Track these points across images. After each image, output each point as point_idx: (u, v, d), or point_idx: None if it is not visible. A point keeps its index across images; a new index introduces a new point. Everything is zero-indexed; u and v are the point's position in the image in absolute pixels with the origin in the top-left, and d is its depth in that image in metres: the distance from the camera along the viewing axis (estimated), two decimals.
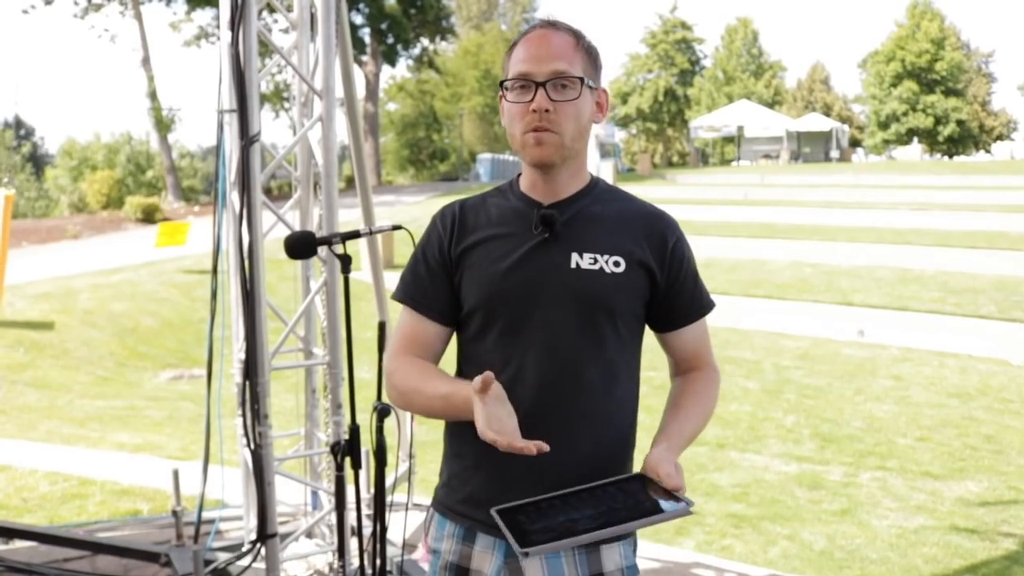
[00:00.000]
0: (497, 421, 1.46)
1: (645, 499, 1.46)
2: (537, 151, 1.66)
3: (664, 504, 1.42)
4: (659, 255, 1.72)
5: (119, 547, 3.93)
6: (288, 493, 4.18)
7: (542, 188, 1.72)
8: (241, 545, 3.78)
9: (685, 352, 1.82)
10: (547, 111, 1.63)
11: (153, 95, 30.49)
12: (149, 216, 23.07)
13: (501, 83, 1.70)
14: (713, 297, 1.84)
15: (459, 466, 1.76)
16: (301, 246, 2.16)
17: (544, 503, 1.49)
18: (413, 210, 23.59)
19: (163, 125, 30.73)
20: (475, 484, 1.70)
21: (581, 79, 1.66)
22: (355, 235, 2.17)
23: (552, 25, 1.70)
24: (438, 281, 1.74)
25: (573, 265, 1.66)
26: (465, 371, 1.74)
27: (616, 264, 1.67)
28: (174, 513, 4.04)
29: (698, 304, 1.80)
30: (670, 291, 1.74)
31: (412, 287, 1.77)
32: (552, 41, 1.66)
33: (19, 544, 4.07)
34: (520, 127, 1.66)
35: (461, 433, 1.75)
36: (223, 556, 3.69)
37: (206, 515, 4.03)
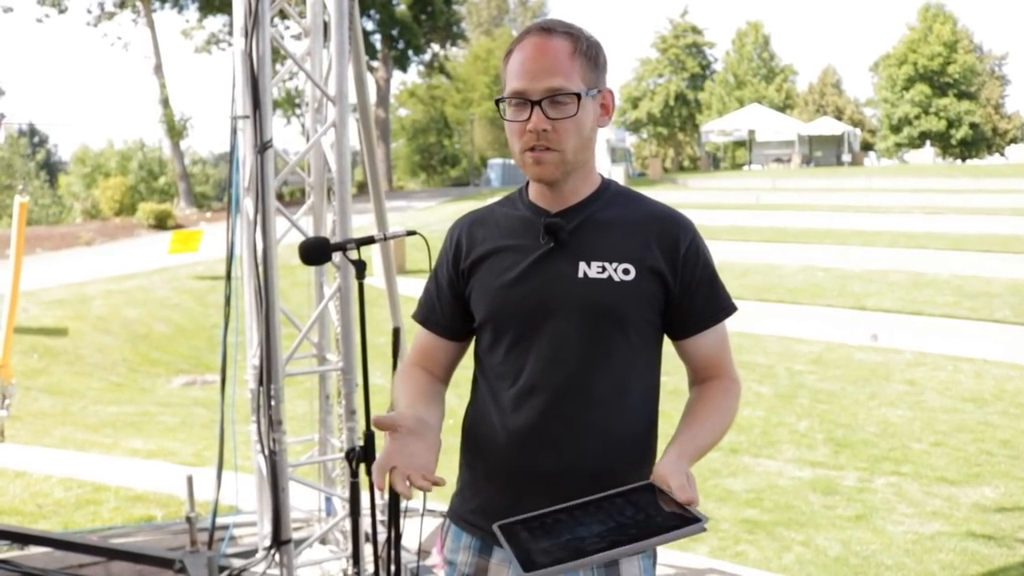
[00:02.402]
0: (401, 457, 1.42)
1: (656, 513, 1.37)
2: (537, 170, 1.63)
3: (676, 520, 1.33)
4: (671, 259, 1.66)
5: (133, 553, 3.92)
6: (302, 499, 4.17)
7: (549, 196, 1.69)
8: (255, 551, 3.79)
9: (701, 360, 1.73)
10: (545, 130, 1.58)
11: (165, 102, 30.63)
12: (161, 222, 23.20)
13: (497, 101, 1.65)
14: None
15: (471, 476, 1.76)
16: (316, 252, 2.16)
17: (549, 518, 1.41)
18: (424, 215, 23.61)
19: (175, 132, 30.86)
20: (486, 495, 1.70)
21: (578, 94, 1.59)
22: (370, 240, 2.17)
23: (547, 31, 1.62)
24: (445, 298, 1.79)
25: (580, 275, 1.63)
26: (480, 382, 1.76)
27: (625, 272, 1.63)
28: (188, 519, 4.03)
29: (713, 308, 1.71)
30: (684, 296, 1.68)
31: (424, 304, 1.84)
32: (547, 52, 1.59)
33: (34, 550, 4.08)
34: (519, 145, 1.62)
35: (473, 443, 1.76)
36: (237, 562, 3.70)
37: (220, 521, 4.03)
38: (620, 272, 1.63)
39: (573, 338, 1.63)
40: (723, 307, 1.73)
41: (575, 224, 1.67)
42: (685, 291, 1.68)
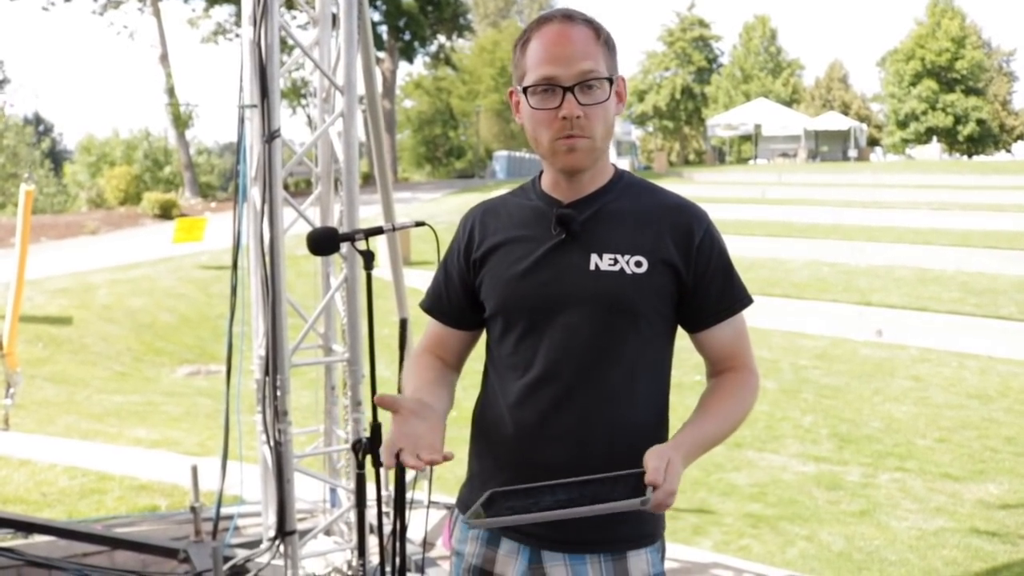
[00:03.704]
0: (407, 438, 1.46)
1: (622, 491, 1.41)
2: (570, 159, 1.60)
3: (624, 495, 1.39)
4: (684, 251, 1.63)
5: (137, 543, 3.93)
6: (305, 490, 4.17)
7: (564, 187, 1.67)
8: (259, 542, 3.79)
9: (717, 353, 1.71)
10: (578, 117, 1.56)
11: (171, 91, 30.63)
12: (166, 212, 23.20)
13: (524, 88, 1.61)
14: None
15: (479, 466, 1.76)
16: (324, 242, 2.14)
17: (536, 490, 1.48)
18: (429, 207, 23.60)
19: (181, 121, 30.87)
20: (495, 484, 1.66)
21: (609, 79, 1.59)
22: (378, 231, 2.16)
23: (569, 18, 1.60)
24: (454, 288, 1.78)
25: (592, 267, 1.61)
26: (490, 373, 1.75)
27: (638, 264, 1.61)
28: (192, 509, 4.04)
29: (728, 300, 1.69)
30: (698, 288, 1.65)
31: (432, 294, 1.83)
32: (573, 37, 1.57)
33: (38, 539, 4.08)
34: (548, 135, 1.59)
35: (481, 434, 1.76)
36: (241, 553, 3.69)
37: (224, 511, 4.03)
38: (632, 264, 1.61)
39: (584, 330, 1.61)
40: (738, 299, 1.70)
41: (587, 215, 1.65)
42: (699, 283, 1.65)
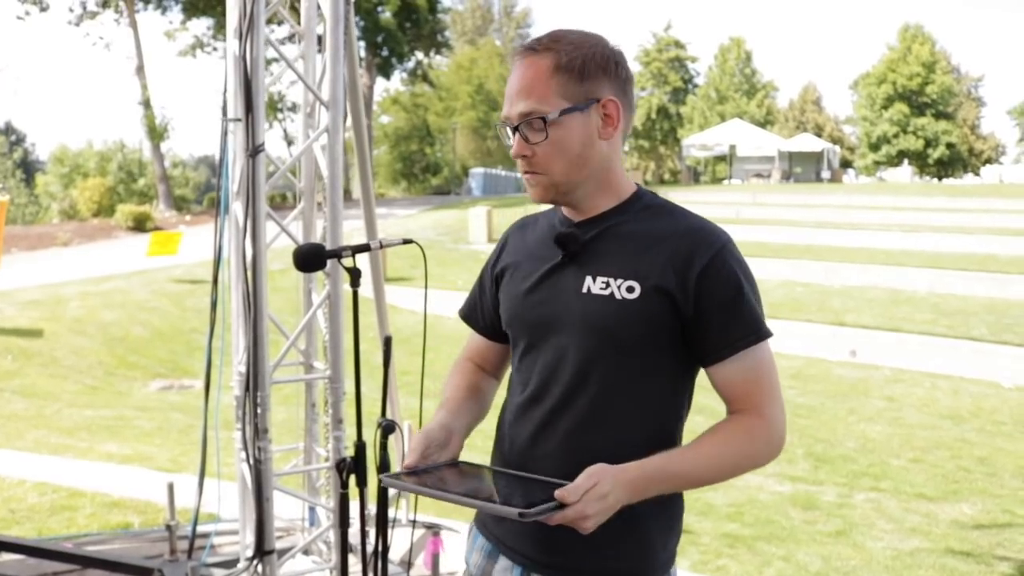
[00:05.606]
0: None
1: (540, 496, 1.38)
2: (530, 192, 1.63)
3: (517, 503, 1.38)
4: (682, 278, 1.52)
5: (110, 561, 3.86)
6: (283, 508, 4.13)
7: (572, 209, 1.66)
8: (236, 561, 3.74)
9: (724, 392, 1.59)
10: (525, 155, 1.57)
11: (147, 103, 30.45)
12: (140, 224, 23.02)
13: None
14: None
15: None
16: (311, 259, 2.12)
17: (480, 471, 1.58)
18: (406, 223, 23.55)
19: (156, 133, 30.67)
20: None
21: (544, 118, 1.53)
22: (365, 248, 2.13)
23: (531, 50, 1.57)
24: (486, 299, 1.82)
25: (584, 289, 1.57)
26: (508, 386, 1.78)
27: (629, 289, 1.53)
28: (168, 527, 3.98)
29: (732, 335, 1.54)
30: (699, 319, 1.53)
31: (468, 302, 1.87)
32: (525, 74, 1.55)
33: (6, 557, 4.00)
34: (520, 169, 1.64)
35: (495, 446, 1.76)
36: (218, 572, 3.65)
37: (200, 529, 3.98)
38: (624, 290, 1.54)
39: (571, 354, 1.58)
40: (743, 335, 1.55)
41: (590, 236, 1.61)
42: (701, 314, 1.54)
